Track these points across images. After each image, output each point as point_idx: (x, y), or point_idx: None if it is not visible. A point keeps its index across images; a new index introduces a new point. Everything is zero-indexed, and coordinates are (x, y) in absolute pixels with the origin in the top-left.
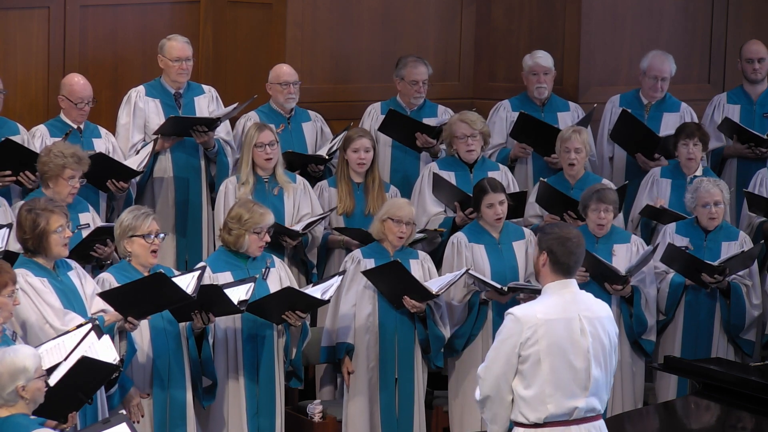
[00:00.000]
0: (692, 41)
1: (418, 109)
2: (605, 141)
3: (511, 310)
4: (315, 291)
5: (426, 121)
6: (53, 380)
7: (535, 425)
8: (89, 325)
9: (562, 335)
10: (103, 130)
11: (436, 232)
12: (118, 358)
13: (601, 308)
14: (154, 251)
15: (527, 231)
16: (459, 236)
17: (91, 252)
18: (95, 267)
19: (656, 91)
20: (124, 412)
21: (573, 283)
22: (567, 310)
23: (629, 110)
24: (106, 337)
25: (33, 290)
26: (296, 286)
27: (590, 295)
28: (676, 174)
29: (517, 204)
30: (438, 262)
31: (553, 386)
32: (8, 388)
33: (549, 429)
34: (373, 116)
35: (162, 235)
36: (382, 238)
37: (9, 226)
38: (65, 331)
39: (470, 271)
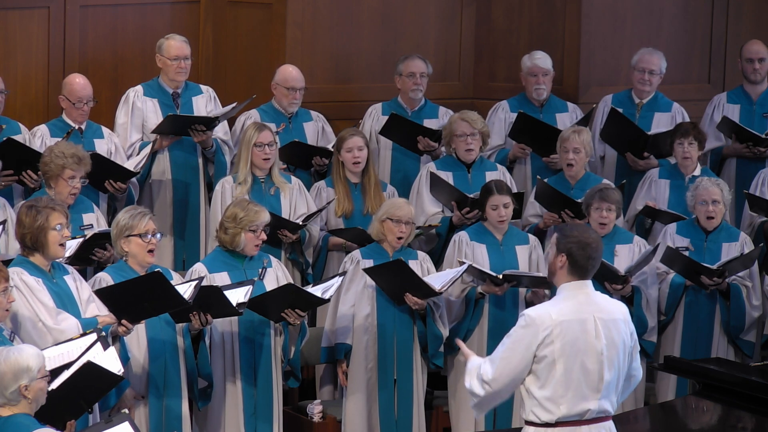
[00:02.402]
0: (692, 41)
1: (419, 109)
2: (596, 140)
3: (525, 311)
4: (316, 290)
5: (427, 122)
6: (56, 384)
7: (546, 425)
8: (94, 335)
9: (577, 336)
10: (106, 131)
11: (430, 227)
12: (122, 370)
13: (616, 309)
14: (151, 251)
15: (532, 237)
16: (461, 235)
17: (90, 256)
18: (96, 269)
19: (645, 84)
20: (126, 411)
21: (588, 284)
22: (581, 311)
23: (620, 109)
24: (111, 349)
25: (27, 288)
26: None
27: (605, 297)
28: (674, 174)
29: (515, 205)
30: (437, 262)
31: (566, 387)
32: (11, 387)
33: (560, 429)
34: (374, 117)
35: (159, 235)
36: (382, 238)
37: (3, 222)
38: (68, 337)
39: (473, 265)
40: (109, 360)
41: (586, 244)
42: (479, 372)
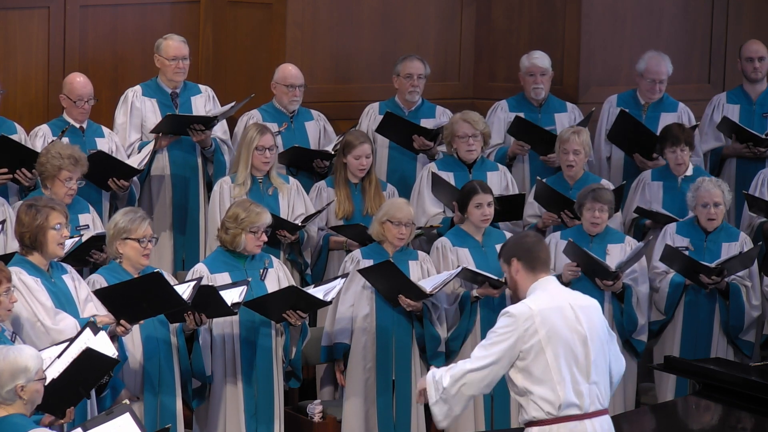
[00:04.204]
0: (692, 41)
1: (416, 109)
2: (602, 141)
3: (505, 309)
4: (317, 292)
5: (424, 122)
6: (55, 372)
7: (550, 419)
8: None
9: (559, 323)
10: (106, 130)
11: (431, 228)
12: (116, 353)
13: (589, 301)
14: (146, 255)
15: (508, 234)
16: (443, 241)
17: (87, 257)
18: (92, 269)
19: (654, 92)
20: (127, 401)
21: (554, 279)
22: (556, 299)
23: (627, 110)
24: (102, 333)
25: (26, 288)
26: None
27: (576, 291)
28: (667, 176)
29: (514, 206)
30: None
31: (559, 373)
32: (7, 386)
33: (563, 424)
34: (371, 116)
35: (155, 240)
36: (382, 239)
37: (2, 222)
38: (66, 337)
39: (467, 267)
40: (100, 345)
41: (524, 237)
42: (452, 368)
